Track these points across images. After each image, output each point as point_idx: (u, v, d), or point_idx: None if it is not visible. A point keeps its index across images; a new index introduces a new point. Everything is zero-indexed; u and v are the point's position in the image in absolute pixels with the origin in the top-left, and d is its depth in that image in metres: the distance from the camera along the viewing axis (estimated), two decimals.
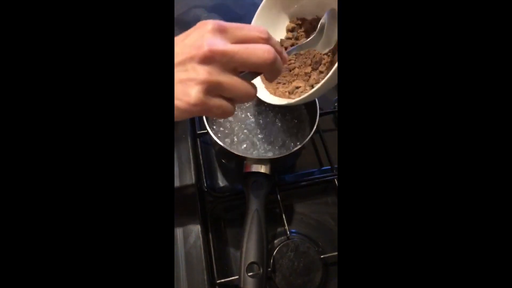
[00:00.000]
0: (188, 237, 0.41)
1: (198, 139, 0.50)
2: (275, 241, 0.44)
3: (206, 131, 0.45)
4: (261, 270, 0.31)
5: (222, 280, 0.40)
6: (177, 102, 0.24)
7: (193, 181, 0.45)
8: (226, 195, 0.47)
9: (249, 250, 0.32)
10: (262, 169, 0.39)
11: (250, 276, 0.30)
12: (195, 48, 0.23)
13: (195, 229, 0.42)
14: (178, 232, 0.41)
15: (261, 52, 0.24)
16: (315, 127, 0.42)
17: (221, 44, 0.23)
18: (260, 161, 0.40)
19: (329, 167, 0.50)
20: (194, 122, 0.52)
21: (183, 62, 0.23)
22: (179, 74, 0.23)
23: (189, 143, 0.48)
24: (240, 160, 0.41)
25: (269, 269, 0.41)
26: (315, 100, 0.44)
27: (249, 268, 0.31)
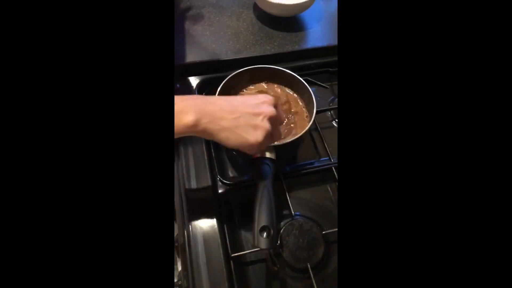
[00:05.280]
0: (205, 219, 0.47)
1: None
2: (281, 223, 0.49)
3: None
4: (272, 232, 0.36)
5: (235, 254, 0.45)
6: (247, 137, 0.37)
7: (207, 172, 0.51)
8: (236, 183, 0.52)
9: (261, 216, 0.37)
10: (268, 154, 0.45)
11: (262, 236, 0.36)
12: (266, 109, 0.38)
13: (211, 211, 0.47)
14: (196, 215, 0.47)
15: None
16: (312, 119, 0.49)
17: (275, 112, 0.40)
18: (266, 149, 0.46)
19: (327, 158, 0.56)
20: None
21: (257, 114, 0.38)
22: (253, 120, 0.37)
23: (203, 141, 0.54)
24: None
25: (277, 243, 0.46)
26: (312, 98, 0.51)
27: (262, 230, 0.36)
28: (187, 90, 0.61)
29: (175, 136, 0.35)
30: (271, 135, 0.39)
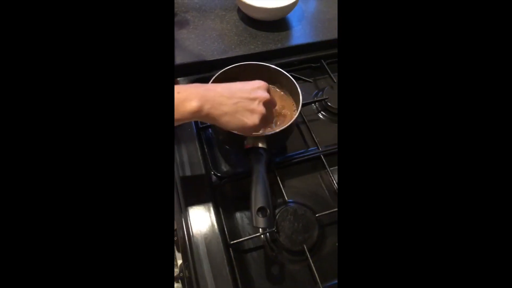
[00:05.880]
0: (202, 210, 0.48)
1: (201, 132, 0.58)
2: (276, 210, 0.51)
3: (206, 124, 0.54)
4: (268, 212, 0.38)
5: (234, 241, 0.46)
6: (246, 120, 0.40)
7: (201, 165, 0.53)
8: (229, 175, 0.54)
9: (257, 198, 0.39)
10: (260, 144, 0.48)
11: (260, 216, 0.38)
12: (261, 94, 0.42)
13: (208, 203, 0.49)
14: (193, 206, 0.48)
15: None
16: (299, 109, 0.51)
17: (269, 96, 0.43)
18: (257, 138, 0.48)
19: (315, 147, 0.59)
20: None
21: (253, 99, 0.41)
22: (250, 105, 0.41)
23: (195, 135, 0.56)
24: (242, 141, 0.49)
25: (274, 229, 0.48)
26: (298, 90, 0.54)
27: (259, 211, 0.38)
28: None
29: (182, 122, 0.38)
30: (266, 118, 0.42)
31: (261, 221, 0.37)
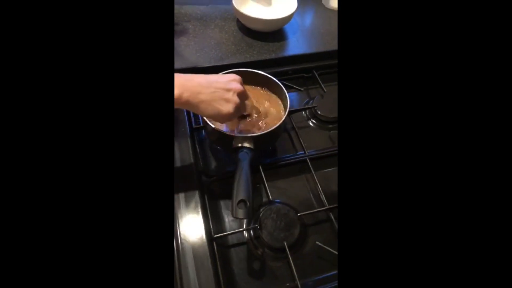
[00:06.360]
0: (190, 204, 0.50)
1: (194, 133, 0.61)
2: (261, 209, 0.53)
3: (200, 125, 0.58)
4: (248, 204, 0.40)
5: (218, 235, 0.48)
6: (221, 108, 0.44)
7: (192, 162, 0.55)
8: (217, 174, 0.57)
9: (239, 191, 0.41)
10: (247, 144, 0.50)
11: (239, 208, 0.40)
12: (235, 86, 0.46)
13: (195, 197, 0.51)
14: (181, 200, 0.51)
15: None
16: (287, 111, 0.54)
17: (242, 88, 0.48)
18: (245, 138, 0.51)
19: (303, 152, 0.62)
20: (191, 119, 0.63)
21: (228, 90, 0.45)
22: (225, 94, 0.44)
23: (188, 135, 0.59)
24: (231, 142, 0.52)
25: (257, 225, 0.50)
26: (285, 93, 0.57)
27: (239, 203, 0.41)
28: None
29: None
30: (239, 108, 0.47)
31: (240, 212, 0.40)
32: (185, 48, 0.74)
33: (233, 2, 0.76)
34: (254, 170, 0.55)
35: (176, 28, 0.79)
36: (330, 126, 0.68)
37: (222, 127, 0.56)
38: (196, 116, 0.63)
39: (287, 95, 0.57)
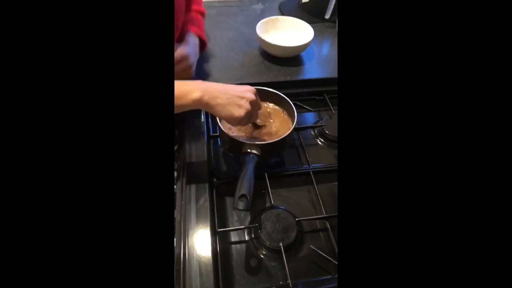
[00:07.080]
0: (199, 199, 0.56)
1: (211, 140, 0.68)
2: (263, 212, 0.58)
3: (217, 134, 0.65)
4: (248, 199, 0.46)
5: (221, 229, 0.54)
6: (234, 112, 0.51)
7: (205, 163, 0.62)
8: (227, 176, 0.63)
9: (242, 187, 0.47)
10: (254, 150, 0.56)
11: (241, 201, 0.45)
12: (249, 95, 0.53)
13: (205, 194, 0.57)
14: (192, 195, 0.57)
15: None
16: (294, 123, 0.60)
17: (255, 98, 0.55)
18: (253, 145, 0.57)
19: (307, 165, 0.67)
20: (209, 128, 0.70)
21: (242, 97, 0.52)
22: (239, 101, 0.52)
23: (205, 141, 0.66)
24: (241, 149, 0.59)
25: (257, 224, 0.54)
26: (292, 107, 0.63)
27: (241, 197, 0.46)
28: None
29: (187, 108, 0.50)
30: (250, 114, 0.54)
31: (241, 204, 0.45)
32: (212, 67, 0.83)
33: (257, 30, 0.85)
34: (259, 177, 0.61)
35: (205, 51, 0.89)
36: (336, 145, 0.73)
37: (239, 133, 0.63)
38: (214, 125, 0.71)
39: (295, 110, 0.63)
